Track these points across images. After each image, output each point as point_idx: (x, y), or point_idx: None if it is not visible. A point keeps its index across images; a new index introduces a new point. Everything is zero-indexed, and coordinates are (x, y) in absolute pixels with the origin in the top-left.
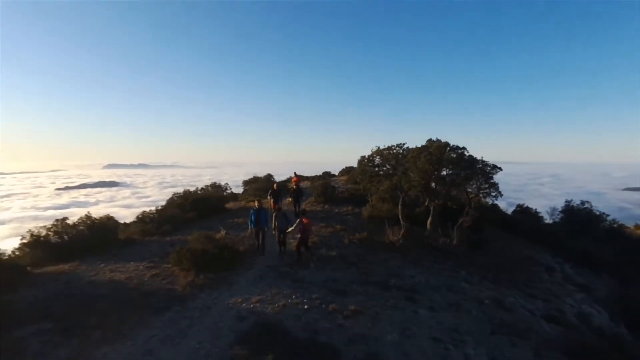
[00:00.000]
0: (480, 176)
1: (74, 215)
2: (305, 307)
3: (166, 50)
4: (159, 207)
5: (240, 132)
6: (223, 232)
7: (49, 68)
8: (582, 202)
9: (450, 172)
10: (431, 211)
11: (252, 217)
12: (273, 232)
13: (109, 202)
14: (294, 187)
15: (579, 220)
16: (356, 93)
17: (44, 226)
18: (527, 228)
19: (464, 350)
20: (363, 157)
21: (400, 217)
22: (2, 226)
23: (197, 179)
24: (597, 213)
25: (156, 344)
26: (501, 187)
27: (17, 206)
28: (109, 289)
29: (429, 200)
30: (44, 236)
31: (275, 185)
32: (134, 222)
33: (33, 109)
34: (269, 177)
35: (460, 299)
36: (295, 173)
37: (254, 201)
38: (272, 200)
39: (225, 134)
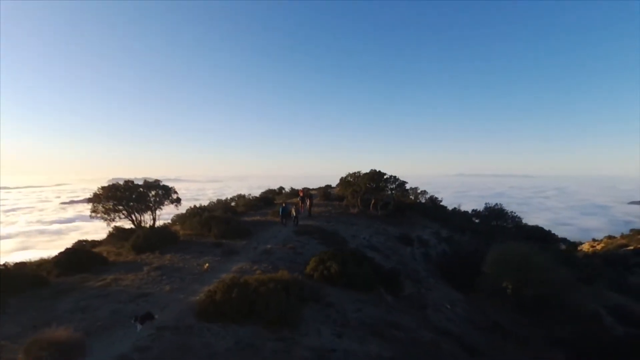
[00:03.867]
0: (396, 185)
1: (80, 229)
2: (315, 222)
3: (170, 64)
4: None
5: (242, 147)
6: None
7: (54, 80)
8: (495, 204)
9: (381, 184)
10: (372, 201)
11: (280, 210)
12: (292, 215)
13: (106, 224)
14: (301, 194)
15: (494, 214)
16: (360, 106)
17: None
18: (434, 213)
19: (361, 231)
20: (342, 177)
21: (358, 204)
22: (9, 240)
23: (201, 193)
24: (506, 211)
25: (276, 230)
26: (505, 201)
27: (23, 220)
28: (254, 222)
29: (373, 198)
30: (213, 208)
31: (301, 193)
32: (239, 204)
33: (37, 122)
34: (281, 189)
35: (371, 226)
36: (302, 188)
37: (282, 202)
38: (300, 200)
39: (228, 148)
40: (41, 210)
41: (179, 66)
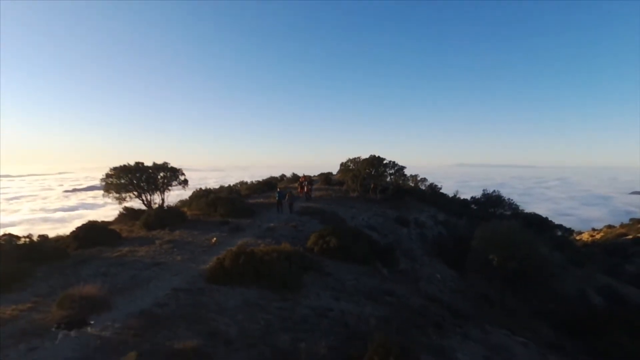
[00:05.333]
0: (395, 171)
1: (83, 217)
2: (315, 204)
3: (171, 53)
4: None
5: (245, 136)
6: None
7: (55, 70)
8: (493, 191)
9: (381, 169)
10: (372, 186)
11: (277, 195)
12: (288, 202)
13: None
14: (302, 180)
15: (492, 201)
16: (362, 97)
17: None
18: (433, 198)
19: (360, 213)
20: (342, 162)
21: (358, 188)
22: (12, 228)
23: (203, 182)
24: (503, 198)
25: (274, 214)
26: (507, 191)
27: (27, 208)
28: (258, 204)
29: (372, 182)
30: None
31: (302, 179)
32: (244, 189)
33: (39, 111)
34: (283, 176)
35: (370, 209)
36: (303, 174)
37: (279, 187)
38: (299, 186)
39: (231, 137)
40: (44, 198)
41: (180, 57)
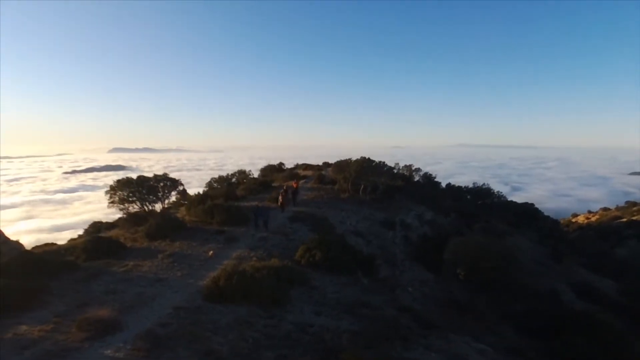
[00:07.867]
0: (385, 171)
1: (83, 198)
2: (307, 208)
3: (168, 33)
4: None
5: (245, 116)
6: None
7: (52, 52)
8: (483, 184)
9: (371, 170)
10: (362, 186)
11: (253, 213)
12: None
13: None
14: (294, 186)
15: (482, 194)
16: (364, 79)
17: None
18: (423, 193)
19: (349, 216)
20: (334, 162)
21: (348, 189)
22: (13, 209)
23: (202, 163)
24: (492, 190)
25: (272, 217)
26: (506, 172)
27: (27, 190)
28: (249, 208)
29: (362, 183)
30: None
31: (295, 184)
32: (240, 189)
33: (38, 92)
34: (281, 164)
35: (359, 212)
36: (295, 180)
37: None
38: (282, 195)
39: (230, 118)
40: (44, 180)
41: (178, 36)
